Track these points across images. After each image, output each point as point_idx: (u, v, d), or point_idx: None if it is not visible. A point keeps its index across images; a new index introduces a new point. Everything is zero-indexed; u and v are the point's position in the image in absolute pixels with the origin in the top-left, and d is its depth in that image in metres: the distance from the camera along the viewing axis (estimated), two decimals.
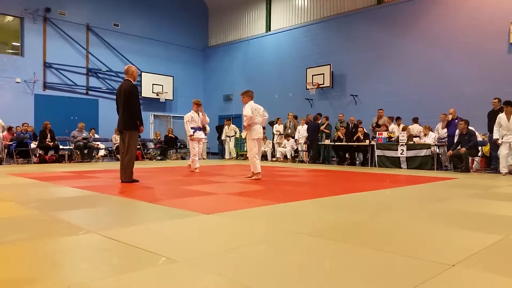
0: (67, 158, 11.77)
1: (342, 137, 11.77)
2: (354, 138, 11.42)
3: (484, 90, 10.63)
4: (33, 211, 3.52)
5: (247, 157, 7.59)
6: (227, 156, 14.76)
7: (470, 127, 8.97)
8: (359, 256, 2.23)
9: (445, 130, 10.16)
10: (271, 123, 13.83)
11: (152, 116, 17.51)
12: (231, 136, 14.61)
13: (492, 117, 8.91)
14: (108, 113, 15.29)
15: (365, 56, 13.51)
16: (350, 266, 2.05)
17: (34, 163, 10.99)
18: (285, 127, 13.63)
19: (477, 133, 9.25)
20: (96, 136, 13.85)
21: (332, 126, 13.20)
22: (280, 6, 16.68)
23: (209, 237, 2.67)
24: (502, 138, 8.19)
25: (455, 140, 9.11)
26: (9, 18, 14.36)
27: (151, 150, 14.87)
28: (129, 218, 3.45)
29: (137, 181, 5.92)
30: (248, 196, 4.61)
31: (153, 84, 16.85)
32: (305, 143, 12.80)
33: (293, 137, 13.13)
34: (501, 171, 8.19)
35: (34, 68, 14.25)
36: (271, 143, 13.98)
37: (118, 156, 13.01)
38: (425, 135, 10.38)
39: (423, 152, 9.66)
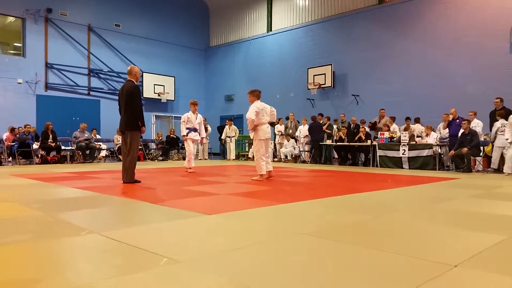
0: (69, 159, 11.79)
1: (343, 137, 11.76)
2: (356, 138, 11.41)
3: (486, 89, 10.62)
4: (36, 212, 3.53)
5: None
6: (228, 156, 14.77)
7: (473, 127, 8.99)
8: (361, 256, 2.23)
9: (447, 130, 10.14)
10: (272, 124, 13.82)
11: (154, 117, 17.53)
12: (232, 137, 14.61)
13: (494, 117, 8.90)
14: (110, 113, 15.33)
15: (366, 56, 13.50)
16: (352, 266, 2.05)
17: (36, 164, 11.01)
18: (286, 128, 13.62)
19: (480, 133, 9.24)
20: (98, 136, 13.88)
21: (334, 126, 13.19)
22: (281, 6, 16.68)
23: (211, 238, 2.67)
24: None
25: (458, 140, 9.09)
26: (11, 19, 14.40)
27: (152, 150, 14.89)
28: (131, 218, 3.46)
29: (139, 181, 5.93)
30: (250, 196, 4.61)
31: (154, 85, 16.87)
32: (307, 143, 12.80)
33: (294, 138, 13.12)
34: (504, 171, 8.16)
35: (36, 69, 14.28)
36: (273, 144, 13.97)
37: (120, 156, 13.10)
38: (427, 135, 10.37)
39: (425, 152, 9.65)
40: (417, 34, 12.43)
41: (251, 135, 6.82)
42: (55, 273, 1.94)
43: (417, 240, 2.64)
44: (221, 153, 16.55)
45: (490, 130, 9.17)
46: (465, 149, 8.67)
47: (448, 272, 1.93)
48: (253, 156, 7.22)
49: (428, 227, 3.04)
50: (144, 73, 16.31)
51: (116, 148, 13.42)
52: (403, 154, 9.94)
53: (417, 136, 10.59)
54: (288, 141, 13.14)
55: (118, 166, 8.62)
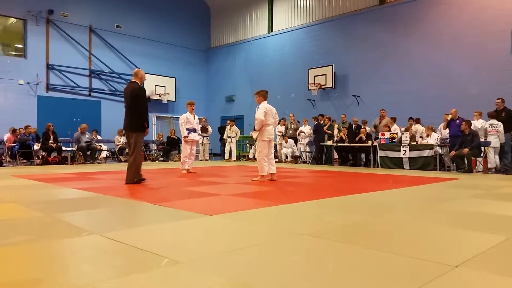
0: (69, 160, 11.80)
1: (344, 138, 11.76)
2: (357, 139, 11.40)
3: (487, 90, 10.61)
4: (37, 213, 3.54)
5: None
6: (229, 156, 14.75)
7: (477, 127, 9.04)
8: (361, 257, 2.23)
9: (447, 130, 10.12)
10: None
11: (155, 117, 17.54)
12: (232, 137, 14.60)
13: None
14: (111, 114, 15.36)
15: (367, 57, 13.50)
16: (352, 267, 2.05)
17: (37, 164, 11.02)
18: (286, 128, 13.62)
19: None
20: (99, 137, 13.89)
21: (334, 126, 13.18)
22: (282, 7, 16.69)
23: (211, 238, 2.67)
24: None
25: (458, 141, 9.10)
26: (12, 20, 14.44)
27: (153, 151, 14.89)
28: (132, 219, 3.46)
29: (142, 180, 5.97)
30: (251, 197, 4.61)
31: (155, 86, 16.88)
32: (307, 144, 12.78)
33: (294, 138, 13.11)
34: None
35: (37, 70, 14.31)
36: (274, 144, 13.97)
37: (121, 157, 13.13)
38: (427, 135, 10.36)
39: (426, 153, 9.64)
40: (418, 34, 12.43)
41: (253, 135, 6.77)
42: (56, 274, 1.94)
43: (418, 241, 2.64)
44: (222, 154, 16.56)
45: None
46: (466, 150, 8.67)
47: (449, 273, 1.93)
48: (254, 157, 7.19)
49: (428, 227, 3.04)
50: (145, 74, 16.29)
51: (117, 149, 13.43)
52: (403, 154, 9.93)
53: (419, 137, 10.58)
54: (286, 142, 13.12)
55: (118, 167, 8.65)
